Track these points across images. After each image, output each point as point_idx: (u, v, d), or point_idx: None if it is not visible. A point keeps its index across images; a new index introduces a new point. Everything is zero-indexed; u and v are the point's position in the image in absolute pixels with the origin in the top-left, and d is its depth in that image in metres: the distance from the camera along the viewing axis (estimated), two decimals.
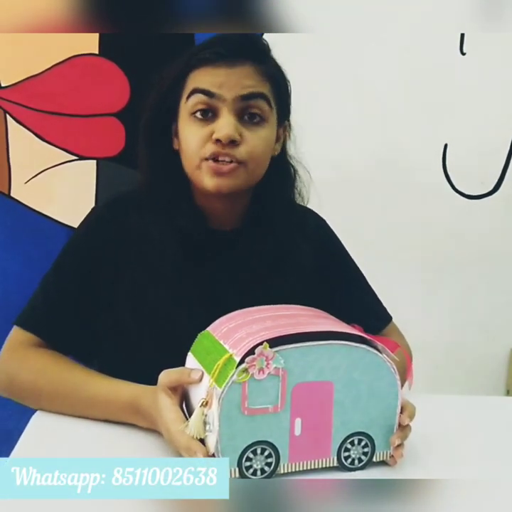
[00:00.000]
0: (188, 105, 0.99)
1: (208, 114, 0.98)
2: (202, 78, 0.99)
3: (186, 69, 1.01)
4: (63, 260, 1.07)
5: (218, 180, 0.98)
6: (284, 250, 1.09)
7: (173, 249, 1.03)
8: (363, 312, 1.07)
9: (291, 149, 1.12)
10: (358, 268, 1.21)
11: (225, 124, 0.96)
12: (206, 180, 0.99)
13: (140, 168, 1.08)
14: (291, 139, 1.12)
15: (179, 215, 1.04)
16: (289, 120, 1.11)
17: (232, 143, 0.96)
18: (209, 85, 0.98)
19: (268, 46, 1.06)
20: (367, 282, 1.21)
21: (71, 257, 1.07)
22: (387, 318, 1.20)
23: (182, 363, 0.84)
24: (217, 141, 0.96)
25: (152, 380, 0.89)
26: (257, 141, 0.99)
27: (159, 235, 1.03)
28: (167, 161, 1.05)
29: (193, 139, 0.99)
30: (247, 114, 0.99)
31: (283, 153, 1.11)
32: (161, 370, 0.84)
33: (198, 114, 0.98)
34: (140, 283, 1.03)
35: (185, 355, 0.84)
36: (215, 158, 0.97)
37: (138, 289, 1.03)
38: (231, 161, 0.97)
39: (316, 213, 1.21)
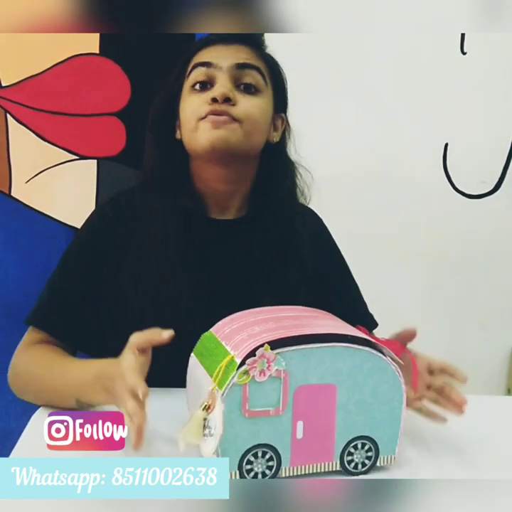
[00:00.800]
0: (189, 80, 1.05)
1: (207, 86, 1.03)
2: (202, 55, 1.06)
3: (190, 54, 1.08)
4: (68, 258, 1.09)
5: (214, 132, 1.00)
6: (285, 239, 1.10)
7: (175, 238, 1.05)
8: (351, 315, 1.06)
9: (292, 150, 1.14)
10: (349, 271, 1.23)
11: (221, 86, 1.01)
12: (201, 136, 1.01)
13: (145, 156, 1.11)
14: (292, 139, 1.14)
15: (180, 197, 1.06)
16: (286, 115, 1.14)
17: (227, 100, 1.00)
18: (208, 58, 1.05)
19: (264, 39, 1.12)
20: (357, 286, 1.23)
21: (76, 255, 1.09)
22: (374, 324, 1.21)
23: (185, 348, 0.83)
24: (214, 99, 1.00)
25: (156, 369, 0.89)
26: (251, 105, 1.03)
27: (161, 225, 1.05)
28: (170, 149, 1.08)
29: (190, 105, 1.03)
30: (242, 83, 1.04)
31: (282, 147, 1.13)
32: (165, 357, 0.83)
33: (197, 87, 1.04)
34: (144, 274, 1.04)
35: (188, 338, 0.83)
36: (210, 114, 1.00)
37: (142, 281, 1.04)
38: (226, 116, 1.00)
39: (314, 211, 1.22)
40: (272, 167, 1.11)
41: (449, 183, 1.88)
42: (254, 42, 1.10)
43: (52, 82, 1.60)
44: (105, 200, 1.13)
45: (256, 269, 1.06)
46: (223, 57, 1.04)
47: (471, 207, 1.90)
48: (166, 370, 0.90)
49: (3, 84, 1.60)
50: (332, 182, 1.18)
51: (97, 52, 1.61)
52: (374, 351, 0.76)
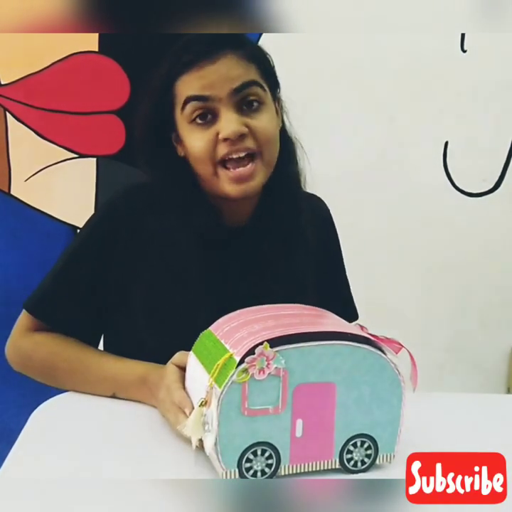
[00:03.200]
0: (185, 114, 0.98)
1: (208, 117, 0.97)
2: (191, 85, 0.98)
3: (171, 78, 1.00)
4: (73, 250, 1.07)
5: (240, 187, 0.97)
6: (296, 240, 1.09)
7: (187, 244, 1.03)
8: (338, 306, 1.02)
9: (287, 123, 1.10)
10: (343, 262, 1.24)
11: (228, 122, 0.95)
12: (228, 187, 0.98)
13: (149, 172, 1.07)
14: (285, 110, 1.10)
15: (193, 215, 1.03)
16: (279, 92, 1.09)
17: (241, 137, 0.96)
18: (200, 90, 0.96)
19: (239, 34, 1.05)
20: (346, 276, 1.24)
21: (81, 249, 1.06)
22: (355, 317, 1.21)
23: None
24: (226, 139, 0.95)
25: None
26: (263, 125, 0.99)
27: (173, 230, 1.04)
28: (174, 168, 1.04)
29: (199, 144, 0.97)
30: (244, 103, 0.98)
31: (283, 128, 1.09)
32: (162, 356, 0.88)
33: (198, 120, 0.98)
34: (152, 276, 1.03)
35: (184, 342, 0.84)
36: (228, 157, 0.96)
37: (150, 282, 1.03)
38: (247, 156, 0.96)
39: (321, 199, 1.21)
40: (281, 154, 1.05)
41: (449, 181, 1.88)
42: (235, 42, 1.00)
43: (52, 80, 1.60)
44: (119, 193, 1.08)
45: (266, 271, 1.06)
46: (217, 85, 0.96)
47: (472, 205, 1.90)
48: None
49: (3, 83, 1.60)
50: (332, 181, 1.18)
51: (96, 50, 1.61)
52: (373, 349, 0.76)
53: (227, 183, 0.97)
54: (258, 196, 1.07)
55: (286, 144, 1.08)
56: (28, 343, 1.05)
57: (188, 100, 0.97)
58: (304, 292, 1.08)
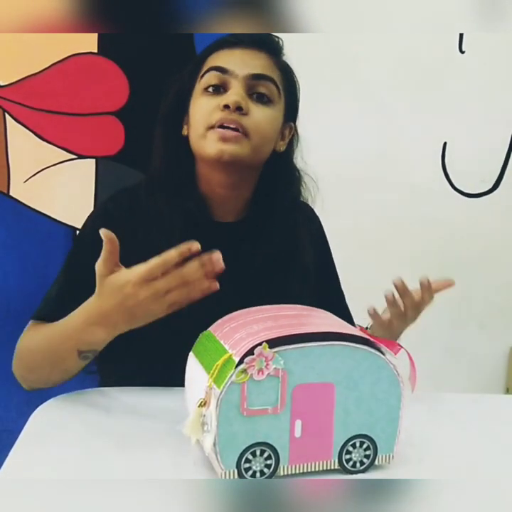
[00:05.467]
0: (202, 82, 1.05)
1: (220, 90, 1.03)
2: (218, 58, 1.06)
3: (205, 54, 1.08)
4: (71, 257, 1.11)
5: (222, 145, 1.00)
6: (288, 249, 1.10)
7: (178, 236, 1.04)
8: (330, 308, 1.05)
9: (298, 158, 1.15)
10: (336, 270, 1.26)
11: (234, 93, 1.01)
12: (209, 146, 1.01)
13: (153, 154, 1.12)
14: (298, 148, 1.15)
15: (184, 199, 1.07)
16: (295, 125, 1.14)
17: (239, 109, 1.00)
18: (223, 63, 1.04)
19: (282, 46, 1.12)
20: (341, 287, 1.26)
21: (78, 254, 1.10)
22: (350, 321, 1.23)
23: (181, 352, 0.83)
24: (225, 106, 1.00)
25: (154, 366, 0.91)
26: (262, 116, 1.03)
27: (165, 220, 1.06)
28: (177, 147, 1.09)
29: (201, 109, 1.03)
30: (255, 92, 1.04)
31: (288, 154, 1.13)
32: (161, 357, 0.91)
33: (210, 89, 1.04)
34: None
35: (184, 343, 0.83)
36: (221, 124, 1.00)
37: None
38: (236, 129, 1.00)
39: (311, 207, 1.23)
40: (276, 175, 1.11)
41: (447, 182, 1.88)
42: (272, 49, 1.09)
43: (51, 82, 1.60)
44: (107, 198, 1.14)
45: (257, 275, 1.07)
46: (239, 65, 1.04)
47: (470, 206, 1.90)
48: (166, 370, 0.90)
49: (2, 84, 1.60)
50: (331, 182, 1.18)
51: (96, 51, 1.61)
52: (372, 350, 0.76)
53: (211, 142, 1.01)
54: (247, 194, 1.11)
55: (287, 169, 1.13)
56: (22, 342, 1.07)
57: (210, 69, 1.05)
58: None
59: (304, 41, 1.66)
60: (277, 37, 1.12)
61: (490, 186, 1.90)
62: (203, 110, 1.03)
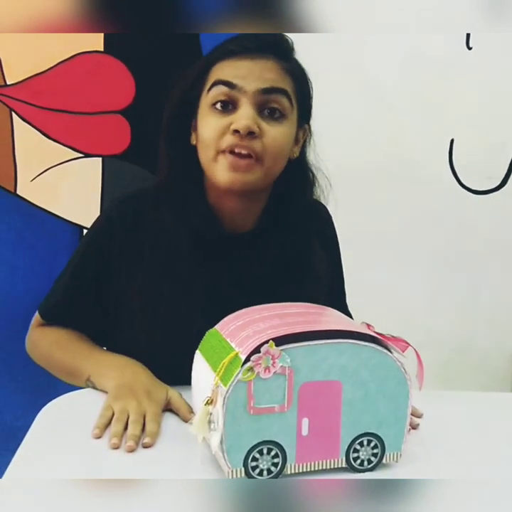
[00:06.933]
0: (209, 97, 0.99)
1: (228, 107, 0.98)
2: (224, 70, 0.99)
3: (210, 61, 1.02)
4: (77, 259, 1.10)
5: (233, 175, 0.97)
6: (300, 257, 1.09)
7: (186, 249, 1.03)
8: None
9: (311, 155, 1.11)
10: (342, 270, 1.24)
11: (244, 115, 0.95)
12: (221, 174, 0.97)
13: (159, 163, 1.08)
14: (311, 145, 1.11)
15: (192, 213, 1.03)
16: (309, 124, 1.10)
17: (251, 134, 0.95)
18: (231, 77, 0.97)
19: (292, 45, 1.05)
20: (344, 288, 1.25)
21: (81, 261, 1.09)
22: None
23: (190, 360, 0.84)
24: (236, 131, 0.95)
25: (160, 374, 0.91)
26: (275, 135, 0.98)
27: (173, 234, 1.03)
28: (184, 156, 1.04)
29: (211, 129, 0.98)
30: (267, 108, 0.98)
31: (302, 158, 1.09)
32: (168, 356, 0.93)
33: (218, 106, 0.98)
34: (152, 280, 1.04)
35: (194, 352, 0.84)
36: (232, 150, 0.96)
37: (150, 286, 1.04)
38: (248, 155, 0.96)
39: (324, 206, 1.20)
40: (289, 181, 1.07)
41: (455, 179, 1.88)
42: (281, 53, 1.02)
43: (57, 80, 1.60)
44: (112, 204, 1.11)
45: (269, 284, 1.04)
46: (248, 79, 0.97)
47: (478, 203, 1.89)
48: (173, 368, 0.90)
49: (9, 83, 1.60)
50: (338, 179, 1.18)
51: (102, 50, 1.61)
52: (379, 348, 0.75)
53: (222, 170, 0.97)
54: (259, 205, 1.07)
55: (302, 174, 1.09)
56: (36, 334, 1.12)
57: (216, 83, 0.99)
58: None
59: (311, 40, 1.66)
60: (285, 37, 1.05)
61: (497, 183, 1.89)
62: (213, 131, 0.97)
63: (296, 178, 1.08)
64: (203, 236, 1.04)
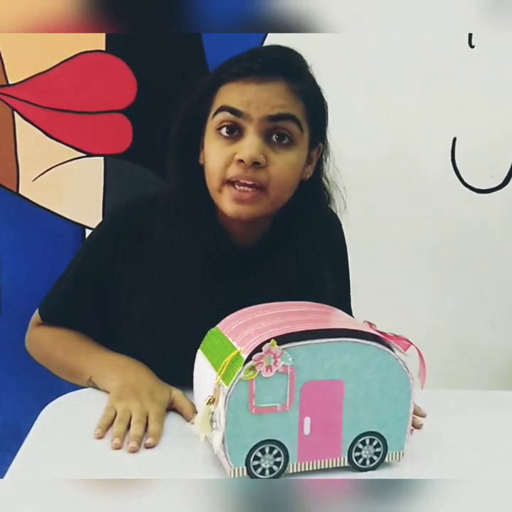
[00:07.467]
0: (214, 121, 0.95)
1: (234, 132, 0.94)
2: (230, 95, 0.95)
3: (216, 83, 0.97)
4: (78, 263, 1.09)
5: (239, 207, 0.94)
6: (309, 267, 1.07)
7: (198, 271, 1.02)
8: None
9: (329, 171, 1.07)
10: (349, 275, 1.23)
11: (250, 145, 0.92)
12: (226, 205, 0.95)
13: (168, 180, 1.05)
14: (328, 161, 1.07)
15: (202, 231, 1.01)
16: (325, 142, 1.06)
17: (256, 164, 0.92)
18: (237, 103, 0.93)
19: (306, 63, 1.01)
20: (349, 292, 1.24)
21: (83, 265, 1.09)
22: None
23: (191, 370, 0.84)
24: (240, 161, 0.92)
25: (162, 364, 0.96)
26: (282, 165, 0.94)
27: (185, 257, 1.02)
28: (193, 174, 1.01)
29: (216, 158, 0.95)
30: (275, 134, 0.94)
31: (315, 177, 1.06)
32: (170, 355, 0.94)
33: (224, 131, 0.94)
34: (161, 303, 1.03)
35: (192, 341, 0.84)
36: (236, 181, 0.93)
37: (158, 308, 1.03)
38: (253, 186, 0.93)
39: (336, 217, 1.17)
40: (300, 200, 1.03)
41: (457, 177, 1.87)
42: (292, 74, 0.96)
43: (59, 80, 1.60)
44: (117, 211, 1.10)
45: (277, 296, 0.98)
46: (255, 105, 0.92)
47: (480, 201, 1.89)
48: (175, 367, 0.90)
49: (10, 82, 1.60)
50: (339, 179, 1.17)
51: (104, 49, 1.61)
52: (381, 346, 0.75)
53: (227, 201, 0.95)
54: (267, 224, 1.06)
55: (314, 194, 1.06)
56: (37, 333, 1.13)
57: (222, 109, 0.94)
58: None
59: (313, 40, 1.65)
60: (296, 54, 1.00)
61: (500, 182, 1.89)
62: (218, 159, 0.94)
63: (307, 198, 1.04)
64: (212, 253, 1.02)
